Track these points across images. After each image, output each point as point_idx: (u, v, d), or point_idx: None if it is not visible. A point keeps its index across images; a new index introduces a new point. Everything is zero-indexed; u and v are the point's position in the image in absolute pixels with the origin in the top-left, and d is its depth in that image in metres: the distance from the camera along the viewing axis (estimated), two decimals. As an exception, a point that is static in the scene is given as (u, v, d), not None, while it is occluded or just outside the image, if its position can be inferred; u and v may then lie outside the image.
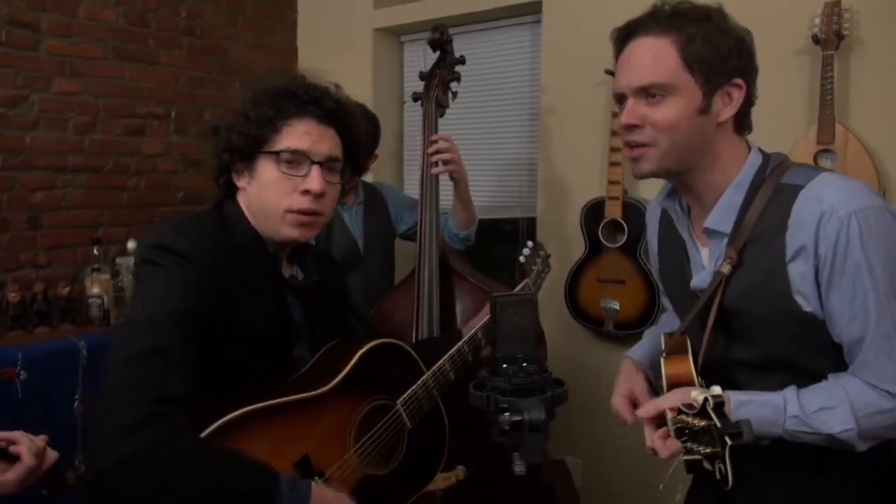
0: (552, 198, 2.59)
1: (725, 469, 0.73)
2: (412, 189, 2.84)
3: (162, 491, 0.96)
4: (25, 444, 1.10)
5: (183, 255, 1.08)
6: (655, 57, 1.10)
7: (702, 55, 1.08)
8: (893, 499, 1.13)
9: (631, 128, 1.12)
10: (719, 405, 0.73)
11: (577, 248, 2.45)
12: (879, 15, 1.92)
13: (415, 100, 2.18)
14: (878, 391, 1.02)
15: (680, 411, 0.82)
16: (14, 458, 1.10)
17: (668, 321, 1.47)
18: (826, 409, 1.01)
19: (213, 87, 2.98)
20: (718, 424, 0.72)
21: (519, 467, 0.74)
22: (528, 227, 2.86)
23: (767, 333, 1.10)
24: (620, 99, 1.16)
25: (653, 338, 1.43)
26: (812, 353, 1.09)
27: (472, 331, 1.46)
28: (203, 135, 2.95)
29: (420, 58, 3.10)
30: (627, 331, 2.32)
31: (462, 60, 2.25)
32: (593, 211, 2.38)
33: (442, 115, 2.16)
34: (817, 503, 1.13)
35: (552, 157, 2.58)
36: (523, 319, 0.73)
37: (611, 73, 2.29)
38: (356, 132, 1.26)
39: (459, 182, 2.10)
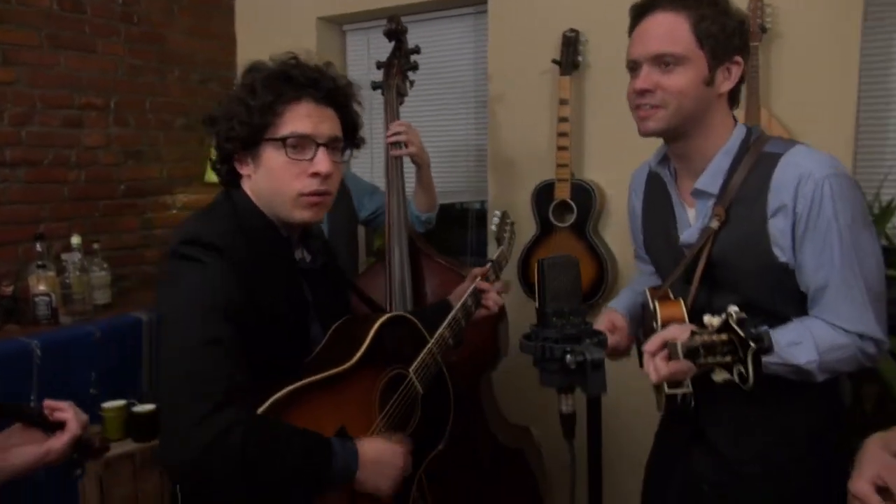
0: (502, 182, 2.71)
1: (747, 371, 0.86)
2: (369, 176, 2.89)
3: (248, 468, 1.03)
4: (72, 411, 1.12)
5: (216, 248, 1.12)
6: (671, 30, 1.23)
7: (711, 32, 1.22)
8: (838, 424, 1.34)
9: (643, 92, 1.26)
10: (742, 320, 0.87)
11: (527, 228, 2.59)
12: (795, 11, 2.15)
13: (374, 88, 2.24)
14: (837, 329, 1.21)
15: (694, 334, 0.94)
16: (55, 427, 1.11)
17: (642, 282, 1.63)
18: (795, 343, 1.18)
19: (152, 75, 2.91)
20: (742, 335, 0.86)
21: (566, 407, 0.85)
22: (477, 210, 2.98)
23: (748, 282, 1.27)
24: (634, 66, 1.29)
25: (630, 294, 1.59)
26: (784, 299, 1.27)
27: (464, 298, 1.56)
28: (144, 126, 2.88)
29: (363, 47, 3.15)
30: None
31: (417, 50, 2.33)
32: (543, 193, 2.52)
33: (402, 103, 2.24)
34: (779, 431, 1.30)
35: (501, 142, 2.70)
36: (567, 278, 0.83)
37: (557, 62, 2.44)
38: (352, 110, 1.30)
39: (422, 166, 2.18)
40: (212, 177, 2.95)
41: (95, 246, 2.59)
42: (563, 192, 2.46)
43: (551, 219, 2.50)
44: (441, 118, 2.97)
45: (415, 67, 2.26)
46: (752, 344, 0.86)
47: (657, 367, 1.12)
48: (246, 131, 1.17)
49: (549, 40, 2.50)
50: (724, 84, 1.27)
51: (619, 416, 2.36)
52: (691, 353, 0.97)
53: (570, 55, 2.42)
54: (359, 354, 1.24)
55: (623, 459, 2.17)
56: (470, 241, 3.09)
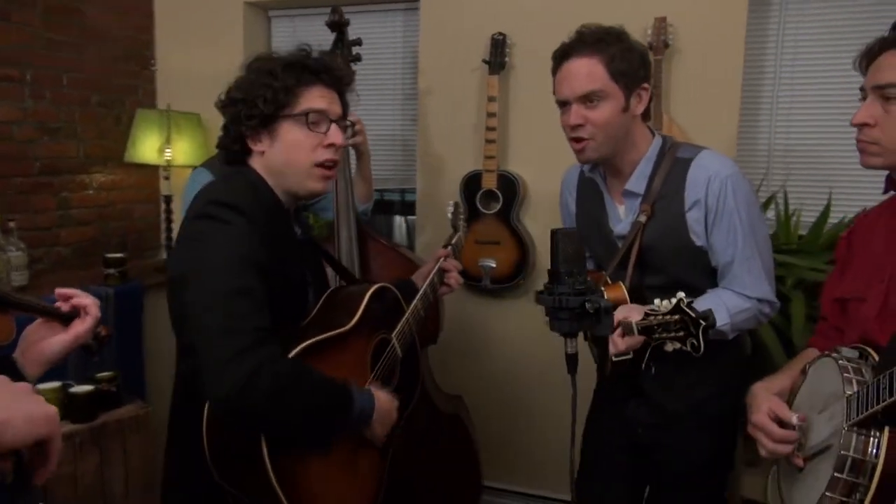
0: (430, 172, 2.88)
1: (698, 342, 1.10)
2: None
3: (279, 402, 1.14)
4: (90, 298, 1.18)
5: (239, 209, 1.22)
6: (590, 72, 1.48)
7: (621, 69, 1.48)
8: (744, 371, 1.65)
9: (576, 127, 1.50)
10: (690, 303, 1.11)
11: (454, 215, 2.79)
12: (691, 30, 2.49)
13: (320, 77, 2.33)
14: (741, 296, 1.52)
15: (647, 315, 1.18)
16: (69, 317, 1.17)
17: None
18: (712, 309, 1.46)
19: (71, 50, 2.80)
20: (693, 315, 1.10)
21: (571, 349, 1.04)
22: (398, 200, 3.14)
23: (672, 264, 1.55)
24: (563, 103, 1.53)
25: None
26: (700, 276, 1.56)
27: (431, 275, 1.74)
28: (60, 101, 2.78)
29: (290, 35, 3.20)
30: (502, 285, 2.72)
31: (359, 42, 2.45)
32: (471, 182, 2.72)
33: (346, 92, 2.35)
34: (701, 382, 1.59)
35: (430, 134, 2.87)
36: (575, 245, 1.02)
37: (487, 62, 2.65)
38: (346, 97, 1.46)
39: (363, 155, 2.31)
40: (133, 157, 2.93)
41: (11, 224, 2.48)
42: (490, 182, 2.68)
43: (478, 206, 2.71)
44: (368, 109, 3.09)
45: (357, 59, 2.38)
46: (702, 322, 1.10)
47: (615, 342, 1.38)
48: (271, 108, 1.30)
49: (478, 41, 2.70)
50: (638, 107, 1.54)
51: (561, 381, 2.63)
52: (646, 330, 1.21)
53: (499, 56, 2.64)
54: (356, 318, 1.38)
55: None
56: (395, 229, 3.25)
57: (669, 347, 1.17)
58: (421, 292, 1.67)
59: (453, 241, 1.88)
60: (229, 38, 3.08)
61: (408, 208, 3.17)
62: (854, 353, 1.26)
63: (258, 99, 1.30)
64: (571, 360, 1.04)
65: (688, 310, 1.10)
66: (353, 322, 1.37)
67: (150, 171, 3.16)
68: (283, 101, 1.31)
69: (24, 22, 2.63)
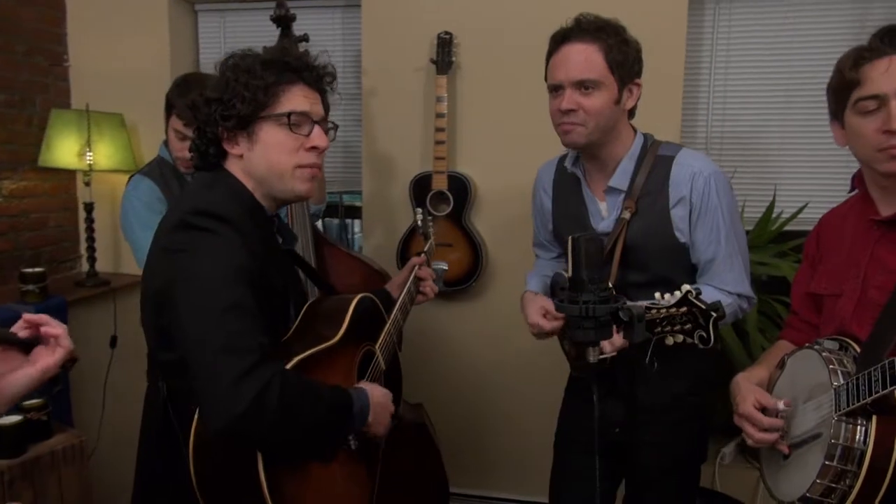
0: (376, 174, 2.80)
1: (708, 334, 1.10)
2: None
3: (287, 418, 1.08)
4: (60, 326, 1.05)
5: (225, 218, 1.14)
6: (588, 59, 1.46)
7: (618, 60, 1.47)
8: (715, 367, 1.68)
9: (567, 112, 1.47)
10: (698, 293, 1.11)
11: (403, 218, 2.73)
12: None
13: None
14: (722, 292, 1.54)
15: (648, 309, 1.16)
16: (30, 345, 1.05)
17: (544, 266, 1.85)
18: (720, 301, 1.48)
19: (-28, 43, 2.52)
20: (703, 307, 1.10)
21: (594, 357, 1.01)
22: (343, 202, 3.04)
23: (656, 260, 1.56)
24: (556, 88, 1.49)
25: (539, 279, 1.81)
26: (681, 272, 1.57)
27: (408, 285, 1.69)
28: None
29: (218, 30, 3.02)
30: (455, 287, 2.68)
31: (306, 38, 2.35)
32: (420, 184, 2.67)
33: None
34: (676, 376, 1.59)
35: (375, 136, 2.79)
36: (597, 251, 0.99)
37: (434, 61, 2.60)
38: (327, 96, 1.39)
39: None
40: (47, 161, 2.67)
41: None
42: (440, 184, 2.63)
43: (428, 208, 2.65)
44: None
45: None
46: (713, 313, 1.11)
47: (612, 342, 1.37)
48: (248, 109, 1.23)
49: (423, 40, 2.65)
50: (629, 102, 1.54)
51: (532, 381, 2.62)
52: (650, 325, 1.20)
53: (446, 55, 2.60)
54: (342, 331, 1.32)
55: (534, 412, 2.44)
56: (340, 232, 3.14)
57: (671, 341, 1.17)
58: (399, 302, 1.63)
59: (426, 249, 1.83)
60: (153, 34, 2.88)
61: (351, 212, 3.08)
62: (835, 345, 1.31)
63: (235, 98, 1.22)
64: (594, 370, 1.02)
65: (697, 302, 1.09)
66: (340, 335, 1.32)
67: (67, 176, 2.90)
68: (262, 101, 1.24)
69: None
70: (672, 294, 1.16)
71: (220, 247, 1.12)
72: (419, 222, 1.91)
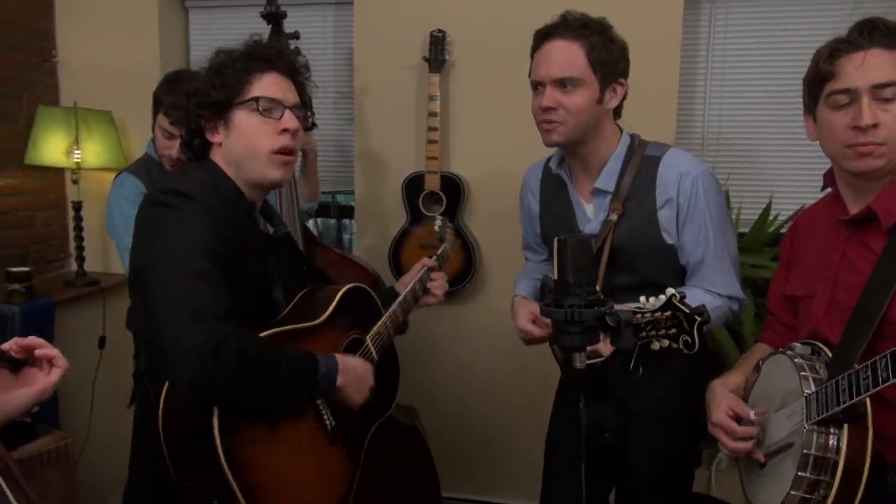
0: (369, 173, 2.77)
1: (693, 339, 1.07)
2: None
3: (246, 374, 1.14)
4: (54, 349, 1.06)
5: (188, 195, 1.19)
6: (569, 56, 1.43)
7: (601, 59, 1.44)
8: (704, 370, 1.64)
9: (548, 109, 1.44)
10: (682, 298, 1.08)
11: (395, 218, 2.70)
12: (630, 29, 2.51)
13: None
14: (712, 294, 1.52)
15: (634, 313, 1.13)
16: (19, 364, 1.04)
17: (534, 269, 1.83)
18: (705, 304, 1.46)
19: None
20: (687, 311, 1.07)
21: (580, 364, 0.99)
22: (335, 201, 3.00)
23: (643, 262, 1.53)
24: (538, 85, 1.47)
25: (529, 282, 1.78)
26: (670, 275, 1.55)
27: (412, 283, 1.71)
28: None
29: (207, 26, 2.99)
30: (449, 289, 2.64)
31: (297, 35, 2.32)
32: (413, 184, 2.64)
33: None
34: (665, 380, 1.58)
35: (368, 135, 2.76)
36: (585, 253, 0.96)
37: (427, 59, 2.57)
38: (305, 88, 1.44)
39: (310, 153, 2.20)
40: (34, 159, 2.63)
41: None
42: (433, 184, 2.61)
43: (421, 208, 2.63)
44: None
45: (296, 53, 2.24)
46: (697, 318, 1.08)
47: (600, 348, 1.35)
48: (222, 96, 1.29)
49: (416, 38, 2.62)
50: (612, 101, 1.51)
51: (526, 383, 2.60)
52: (635, 330, 1.17)
53: (438, 53, 2.57)
54: (326, 314, 1.35)
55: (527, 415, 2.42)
56: (338, 233, 3.11)
57: (656, 346, 1.14)
58: (401, 297, 1.64)
59: (439, 252, 1.84)
60: (142, 30, 2.84)
61: (343, 211, 3.04)
62: (807, 350, 1.28)
63: (210, 88, 1.29)
64: (579, 375, 0.99)
65: (681, 305, 1.07)
66: (325, 316, 1.35)
67: (55, 174, 2.86)
68: (234, 89, 1.31)
69: None
70: (657, 297, 1.13)
71: (182, 222, 1.18)
72: (437, 227, 1.94)
